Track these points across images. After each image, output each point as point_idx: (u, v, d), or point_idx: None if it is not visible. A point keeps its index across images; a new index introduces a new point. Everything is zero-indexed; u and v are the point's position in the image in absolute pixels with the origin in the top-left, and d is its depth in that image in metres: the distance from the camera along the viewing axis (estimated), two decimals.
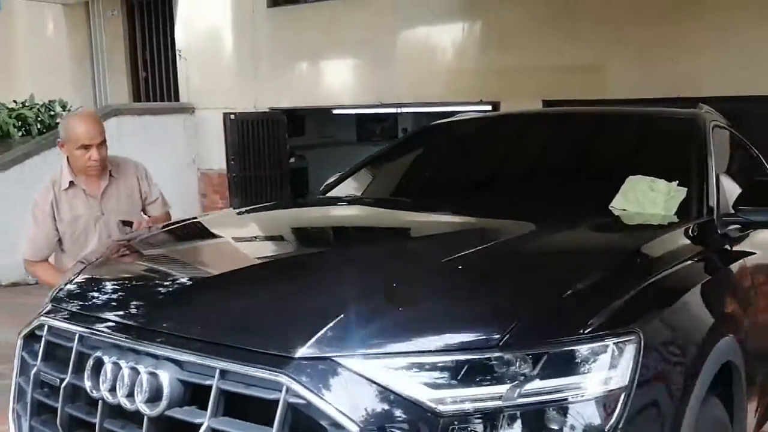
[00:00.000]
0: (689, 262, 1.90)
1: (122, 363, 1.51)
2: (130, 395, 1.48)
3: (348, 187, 3.19)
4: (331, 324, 1.39)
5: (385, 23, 7.31)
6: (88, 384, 1.56)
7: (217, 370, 1.41)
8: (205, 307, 1.62)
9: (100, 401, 1.54)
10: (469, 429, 1.29)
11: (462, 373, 1.34)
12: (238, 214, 2.87)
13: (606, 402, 1.36)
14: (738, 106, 5.53)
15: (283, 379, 1.33)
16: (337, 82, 7.86)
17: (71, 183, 3.01)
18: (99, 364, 1.56)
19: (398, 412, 1.30)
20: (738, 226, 2.39)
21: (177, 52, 8.98)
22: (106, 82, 9.96)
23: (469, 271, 1.62)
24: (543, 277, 1.62)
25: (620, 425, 1.36)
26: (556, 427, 1.33)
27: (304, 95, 8.04)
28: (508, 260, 1.76)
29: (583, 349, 1.39)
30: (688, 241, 2.07)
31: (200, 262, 2.00)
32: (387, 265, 1.74)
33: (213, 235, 2.38)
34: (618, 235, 2.16)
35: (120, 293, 1.80)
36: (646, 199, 2.38)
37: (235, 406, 1.41)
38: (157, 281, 1.81)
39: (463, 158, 3.03)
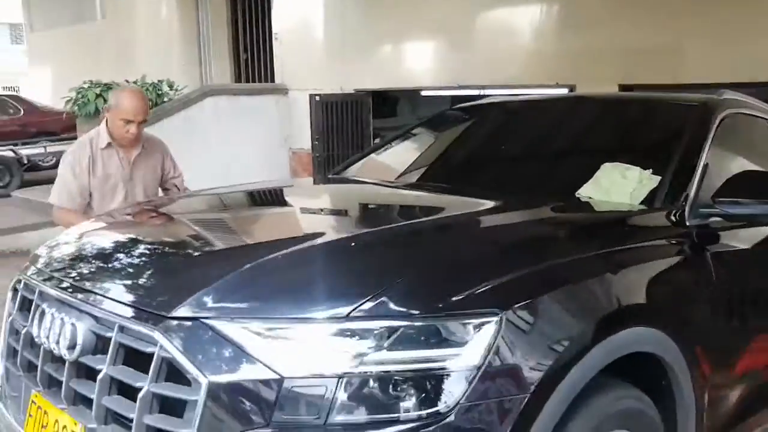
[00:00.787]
0: (612, 249, 1.89)
1: (56, 315, 1.74)
2: (59, 342, 1.71)
3: (362, 169, 3.32)
4: (204, 290, 1.55)
5: (464, 5, 7.31)
6: (35, 332, 1.81)
7: (117, 325, 1.61)
8: (119, 271, 1.83)
9: (42, 347, 1.79)
10: (309, 393, 1.41)
11: (309, 340, 1.45)
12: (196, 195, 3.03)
13: (455, 378, 1.43)
14: None
15: (156, 335, 1.51)
16: (418, 64, 7.95)
17: (109, 144, 3.31)
18: (42, 315, 1.80)
19: (248, 372, 1.44)
20: (720, 218, 2.32)
21: (274, 36, 9.37)
22: (211, 64, 10.54)
23: (364, 247, 1.73)
24: (429, 255, 1.70)
25: (463, 401, 1.42)
26: (395, 400, 1.42)
27: (386, 77, 8.19)
28: (414, 237, 1.84)
29: (437, 325, 1.46)
30: (626, 229, 2.05)
31: (141, 235, 2.17)
32: (286, 239, 1.89)
33: (164, 215, 2.59)
34: (544, 221, 2.14)
35: (72, 256, 2.04)
36: (615, 186, 2.35)
37: (135, 356, 1.60)
38: (100, 248, 2.04)
39: (462, 141, 3.09)
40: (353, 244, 1.78)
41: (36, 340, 1.81)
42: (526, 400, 1.49)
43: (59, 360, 1.76)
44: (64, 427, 1.71)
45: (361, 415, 1.41)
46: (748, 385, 2.37)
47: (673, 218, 2.22)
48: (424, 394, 1.42)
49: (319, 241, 1.85)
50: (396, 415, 1.42)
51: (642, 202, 2.29)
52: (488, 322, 1.49)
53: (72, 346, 1.68)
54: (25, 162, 9.96)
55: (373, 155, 3.40)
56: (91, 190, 3.30)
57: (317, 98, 8.23)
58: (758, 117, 3.05)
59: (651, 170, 2.37)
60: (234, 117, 8.72)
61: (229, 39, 10.20)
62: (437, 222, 2.06)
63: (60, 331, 1.72)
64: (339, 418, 1.40)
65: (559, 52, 6.66)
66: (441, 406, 1.43)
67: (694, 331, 2.05)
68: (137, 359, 1.58)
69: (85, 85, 9.64)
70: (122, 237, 2.12)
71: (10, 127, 11.46)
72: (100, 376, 1.60)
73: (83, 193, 3.29)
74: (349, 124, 8.36)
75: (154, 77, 9.80)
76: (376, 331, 1.44)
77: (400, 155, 3.27)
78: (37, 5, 14.50)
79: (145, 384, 1.51)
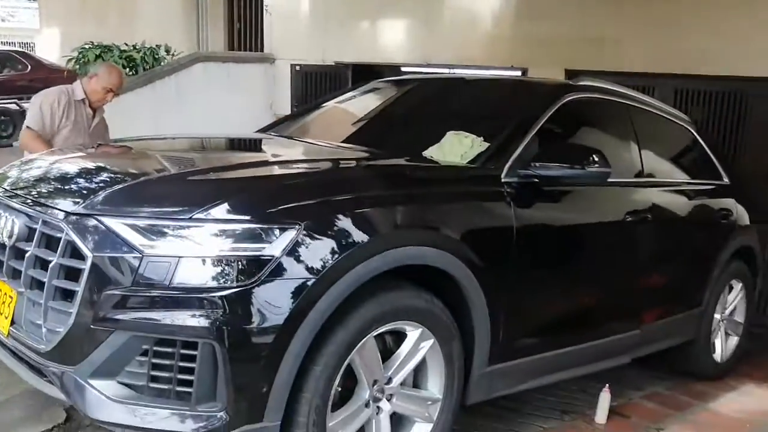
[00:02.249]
0: (421, 191, 2.57)
1: (6, 215, 2.44)
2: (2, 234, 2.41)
3: (286, 128, 3.98)
4: (96, 195, 2.24)
5: None
6: None
7: (40, 220, 2.30)
8: (47, 183, 2.52)
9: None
10: (160, 266, 2.08)
11: (164, 231, 2.13)
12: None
13: (262, 262, 2.10)
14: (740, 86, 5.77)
15: (63, 225, 2.19)
16: (392, 41, 8.54)
17: (83, 100, 4.18)
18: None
19: (119, 251, 2.12)
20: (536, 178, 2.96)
21: (264, 7, 9.97)
22: (208, 32, 11.16)
23: (221, 174, 2.42)
24: (268, 182, 2.40)
25: (265, 277, 2.10)
26: (222, 273, 2.08)
27: (363, 51, 8.77)
28: (266, 170, 2.52)
29: (255, 227, 2.13)
30: (440, 178, 2.73)
31: (75, 161, 2.80)
32: (168, 169, 2.58)
33: (102, 150, 3.28)
34: (376, 167, 2.83)
35: (19, 173, 2.72)
36: (453, 149, 3.00)
37: (50, 241, 2.28)
38: (40, 168, 2.71)
39: (366, 108, 3.77)
40: (211, 173, 2.47)
41: None
42: (313, 281, 2.15)
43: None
44: (5, 293, 2.41)
45: (194, 283, 2.09)
46: (546, 312, 3.04)
47: (489, 175, 2.87)
48: (242, 271, 2.09)
49: (189, 170, 2.54)
50: (222, 284, 2.09)
51: (471, 162, 2.94)
52: (290, 229, 2.15)
53: (10, 236, 2.36)
54: None
55: (299, 116, 4.07)
56: (59, 129, 4.06)
57: (297, 68, 8.87)
58: (612, 101, 3.69)
59: (483, 138, 3.02)
60: (223, 82, 9.34)
61: (225, 9, 10.80)
62: (293, 162, 2.74)
63: (4, 226, 2.41)
64: (177, 283, 2.08)
65: (515, 38, 7.23)
66: (252, 279, 2.09)
67: (488, 261, 2.69)
68: (51, 243, 2.27)
69: (87, 46, 10.31)
70: (60, 161, 2.78)
71: (18, 82, 12.16)
72: (27, 255, 2.29)
73: (53, 126, 4.06)
74: (328, 94, 8.98)
75: (155, 42, 10.47)
76: (210, 228, 2.11)
77: (318, 117, 3.94)
78: None
79: (55, 258, 2.20)
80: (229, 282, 2.09)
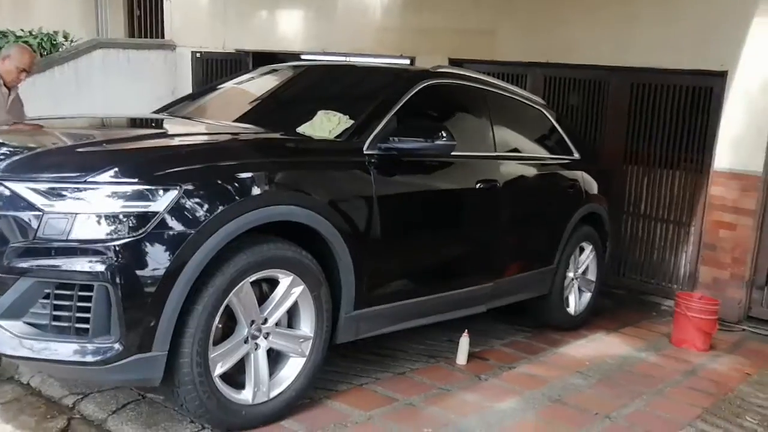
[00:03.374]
0: (287, 159, 3.02)
1: None
2: None
3: (183, 109, 4.33)
4: (5, 161, 2.58)
5: None
6: None
7: None
8: None
9: None
10: (58, 222, 2.44)
11: (61, 193, 2.49)
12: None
13: (148, 217, 2.49)
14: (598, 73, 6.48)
15: None
16: (290, 30, 8.91)
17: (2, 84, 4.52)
18: None
19: (23, 210, 2.47)
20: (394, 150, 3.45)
21: None
22: (107, 19, 11.16)
23: (115, 145, 2.81)
24: (158, 151, 2.82)
25: (151, 229, 2.49)
26: (114, 227, 2.46)
27: (262, 39, 9.10)
28: (156, 141, 2.93)
29: (142, 188, 2.52)
30: (307, 150, 3.19)
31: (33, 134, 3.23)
32: (71, 142, 2.93)
33: (27, 123, 3.69)
34: (250, 140, 3.28)
35: None
36: (322, 125, 3.45)
37: None
38: None
39: (259, 90, 4.20)
40: (105, 144, 2.84)
41: None
42: (192, 234, 2.56)
43: None
44: None
45: (90, 236, 2.46)
46: (404, 266, 3.54)
47: (353, 147, 3.34)
48: (131, 226, 2.48)
49: (86, 141, 2.91)
50: (114, 236, 2.47)
51: (338, 137, 3.40)
52: (172, 189, 2.55)
53: None
54: None
55: (194, 98, 4.43)
56: None
57: (198, 55, 9.13)
58: (468, 86, 4.24)
59: (348, 116, 3.49)
60: (123, 69, 9.45)
61: None
62: (178, 135, 3.14)
63: None
64: (74, 236, 2.45)
65: (403, 29, 7.75)
66: (139, 231, 2.47)
67: (351, 220, 3.17)
68: None
69: None
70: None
71: None
72: None
73: None
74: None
75: (52, 28, 10.41)
76: (103, 189, 2.49)
77: (211, 98, 4.32)
78: None
79: None
80: (120, 234, 2.47)
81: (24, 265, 2.45)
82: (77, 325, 2.48)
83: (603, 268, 5.41)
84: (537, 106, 4.98)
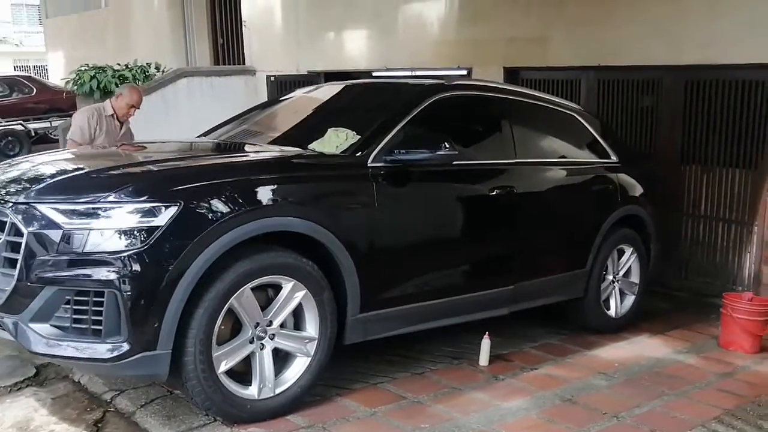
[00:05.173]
0: (293, 174, 3.31)
1: None
2: None
3: (224, 132, 4.71)
4: (33, 188, 3.00)
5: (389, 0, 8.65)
6: None
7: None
8: (11, 181, 3.22)
9: None
10: (76, 237, 2.83)
11: (77, 213, 2.87)
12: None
13: (152, 230, 2.84)
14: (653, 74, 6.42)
15: (7, 211, 2.95)
16: (357, 49, 9.28)
17: (112, 115, 5.39)
18: None
19: (46, 227, 2.87)
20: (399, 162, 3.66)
21: (243, 23, 10.77)
22: (195, 48, 11.98)
23: (140, 169, 3.22)
24: (163, 171, 3.16)
25: (154, 241, 2.83)
26: (126, 241, 2.82)
27: (331, 60, 9.52)
28: (176, 162, 3.37)
29: (147, 206, 2.87)
30: (312, 164, 3.48)
31: (43, 163, 3.60)
32: (110, 161, 3.40)
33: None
34: (257, 158, 3.61)
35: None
36: (331, 141, 3.72)
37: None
38: (14, 169, 3.44)
39: (285, 111, 4.54)
40: (121, 168, 3.23)
41: None
42: (191, 244, 2.88)
43: None
44: None
45: (101, 248, 2.83)
46: (410, 271, 3.73)
47: (357, 161, 3.58)
48: (136, 238, 2.83)
49: (107, 166, 3.32)
50: (121, 248, 2.83)
51: (344, 152, 3.66)
52: (172, 205, 2.89)
53: None
54: (33, 135, 11.62)
55: (231, 121, 4.81)
56: (95, 138, 5.22)
57: (272, 79, 9.65)
58: (484, 96, 4.40)
59: (356, 131, 3.74)
60: (207, 95, 10.15)
61: (208, 25, 11.61)
62: (193, 157, 3.51)
63: None
64: (88, 249, 2.83)
65: (460, 41, 7.93)
66: (144, 244, 2.83)
67: (353, 229, 3.41)
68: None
69: (82, 68, 11.16)
70: (26, 163, 3.54)
71: (26, 105, 13.13)
72: None
73: (90, 137, 5.24)
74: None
75: (148, 60, 11.32)
76: (112, 207, 2.87)
77: (245, 121, 4.69)
78: None
79: (2, 236, 2.96)
80: (126, 246, 2.84)
81: (48, 275, 2.85)
82: (93, 327, 2.86)
83: (646, 270, 5.35)
84: (569, 112, 5.04)
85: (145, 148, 4.11)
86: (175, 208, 2.90)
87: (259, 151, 3.71)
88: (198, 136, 4.63)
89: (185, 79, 9.97)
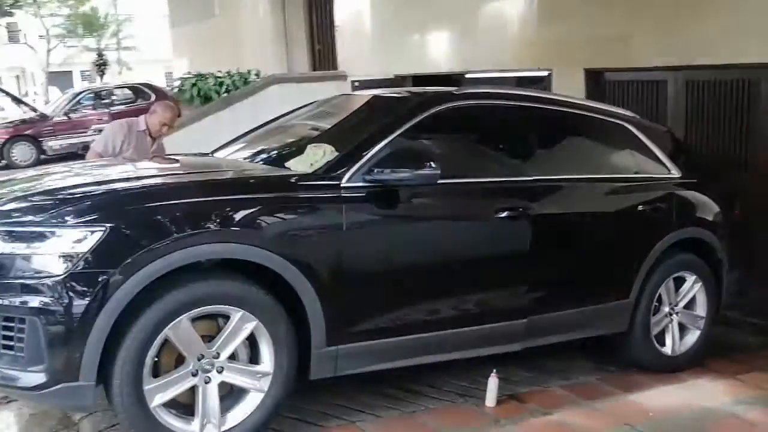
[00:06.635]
0: (248, 196, 3.09)
1: None
2: None
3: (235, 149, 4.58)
4: None
5: (470, 1, 8.26)
6: None
7: None
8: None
9: None
10: (4, 261, 2.77)
11: (8, 236, 2.81)
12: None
13: (75, 257, 2.72)
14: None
15: None
16: (439, 52, 8.97)
17: (144, 130, 5.24)
18: None
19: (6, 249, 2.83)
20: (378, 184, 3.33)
21: (335, 28, 10.76)
22: (293, 55, 12.14)
23: (78, 191, 3.11)
24: (95, 195, 3.04)
25: (79, 268, 2.71)
26: (57, 264, 2.73)
27: (414, 63, 9.27)
28: (125, 183, 3.24)
29: (67, 231, 2.76)
30: (271, 183, 3.26)
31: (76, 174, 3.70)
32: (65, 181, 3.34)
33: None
34: (205, 180, 3.37)
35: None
36: (307, 158, 3.45)
37: None
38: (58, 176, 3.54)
39: (284, 128, 4.33)
40: (60, 194, 3.10)
41: None
42: (115, 272, 2.73)
43: None
44: None
45: (23, 274, 2.75)
46: (386, 301, 3.38)
47: (328, 181, 3.29)
48: (56, 265, 2.72)
49: (48, 189, 3.24)
50: (41, 274, 2.73)
51: (318, 170, 3.37)
52: (97, 231, 2.76)
53: None
54: None
55: (242, 136, 4.67)
56: (121, 152, 5.09)
57: (356, 83, 9.52)
58: (496, 105, 3.97)
59: (334, 147, 3.45)
60: (297, 101, 10.18)
61: (306, 33, 11.71)
62: (151, 176, 3.40)
63: None
64: (13, 274, 2.75)
65: (539, 42, 7.41)
66: (64, 271, 2.70)
67: (316, 257, 3.13)
68: None
69: (185, 76, 11.62)
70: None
71: (147, 110, 13.85)
72: None
73: (114, 150, 5.12)
74: None
75: (255, 68, 11.62)
76: (36, 232, 2.77)
77: (251, 135, 4.53)
78: (174, 3, 17.02)
79: None
80: (47, 272, 2.74)
81: None
82: (18, 354, 2.78)
83: (718, 301, 4.65)
84: (617, 120, 4.46)
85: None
86: (101, 233, 2.76)
87: (219, 171, 3.52)
88: (213, 151, 4.52)
89: (276, 85, 10.06)
